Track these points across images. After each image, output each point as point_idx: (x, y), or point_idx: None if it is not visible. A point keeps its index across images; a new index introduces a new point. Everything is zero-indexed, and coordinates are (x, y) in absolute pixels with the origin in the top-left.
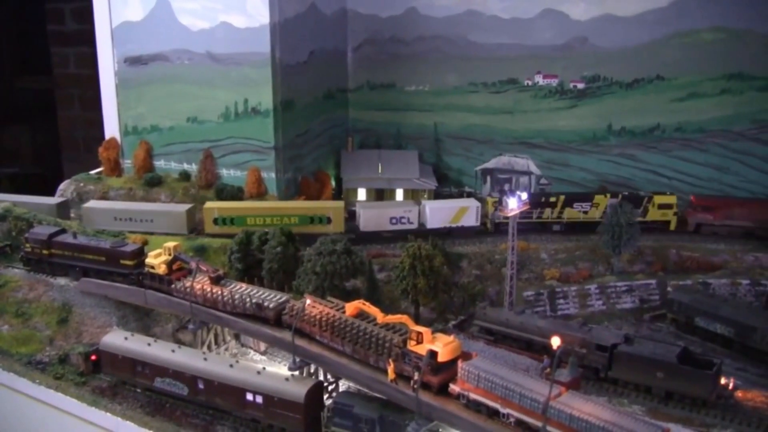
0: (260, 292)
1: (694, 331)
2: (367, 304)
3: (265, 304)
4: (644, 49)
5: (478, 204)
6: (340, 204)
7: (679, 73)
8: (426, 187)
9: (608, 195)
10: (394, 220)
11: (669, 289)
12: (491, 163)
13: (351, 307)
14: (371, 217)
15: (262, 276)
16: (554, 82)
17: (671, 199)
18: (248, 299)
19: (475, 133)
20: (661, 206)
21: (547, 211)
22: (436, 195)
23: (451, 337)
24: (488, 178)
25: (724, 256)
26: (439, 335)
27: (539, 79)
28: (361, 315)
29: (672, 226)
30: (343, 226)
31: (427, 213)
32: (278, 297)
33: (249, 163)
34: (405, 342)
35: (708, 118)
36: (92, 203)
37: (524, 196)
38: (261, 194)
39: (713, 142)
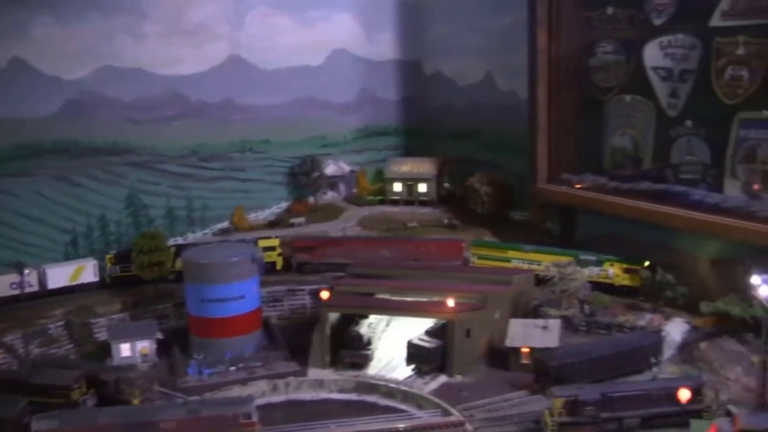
0: None
1: None
2: None
3: None
4: None
5: (95, 261)
6: None
7: None
8: None
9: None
10: (14, 285)
11: None
12: None
13: None
14: None
15: None
16: None
17: (275, 242)
18: None
19: None
20: (266, 249)
21: None
22: None
23: None
24: None
25: None
26: None
27: None
28: None
29: (279, 266)
30: None
31: (47, 275)
32: None
33: None
34: None
35: None
36: None
37: None
38: None
39: None
